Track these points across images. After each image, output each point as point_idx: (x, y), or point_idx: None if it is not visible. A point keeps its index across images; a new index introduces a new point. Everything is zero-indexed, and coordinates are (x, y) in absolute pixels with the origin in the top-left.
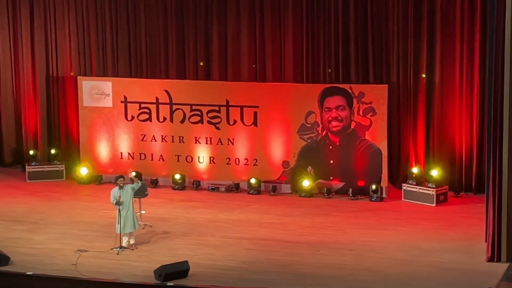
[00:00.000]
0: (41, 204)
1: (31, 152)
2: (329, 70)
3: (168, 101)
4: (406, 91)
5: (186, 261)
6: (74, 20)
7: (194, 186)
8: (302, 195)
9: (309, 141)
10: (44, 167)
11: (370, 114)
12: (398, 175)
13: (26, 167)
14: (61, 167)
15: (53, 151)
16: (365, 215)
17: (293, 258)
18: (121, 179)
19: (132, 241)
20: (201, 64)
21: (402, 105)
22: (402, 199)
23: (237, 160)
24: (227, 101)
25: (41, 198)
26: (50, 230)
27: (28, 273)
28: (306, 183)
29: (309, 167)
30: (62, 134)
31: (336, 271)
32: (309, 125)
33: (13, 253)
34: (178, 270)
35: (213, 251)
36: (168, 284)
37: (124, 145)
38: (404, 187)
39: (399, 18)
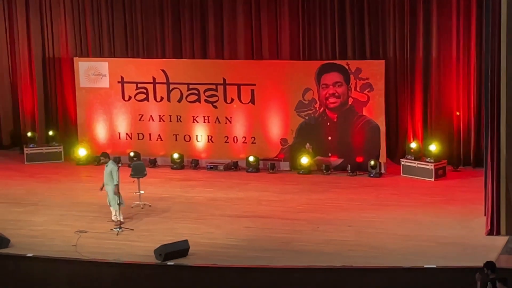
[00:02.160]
0: (40, 186)
1: (29, 134)
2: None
3: (165, 81)
4: (403, 66)
5: (186, 240)
6: (69, 1)
7: (193, 165)
8: (301, 172)
9: (306, 118)
10: (42, 149)
11: (367, 90)
12: (397, 151)
13: (24, 149)
14: (59, 148)
15: (51, 133)
16: (364, 191)
17: (292, 235)
18: (102, 157)
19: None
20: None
21: (399, 80)
22: (401, 175)
23: (235, 138)
24: (224, 80)
25: (40, 180)
26: (50, 212)
27: (28, 255)
28: (304, 160)
29: (307, 144)
30: (59, 116)
31: (336, 247)
32: (307, 102)
33: (13, 235)
34: (178, 249)
35: (212, 229)
36: (169, 263)
37: (122, 126)
38: (402, 162)
39: None
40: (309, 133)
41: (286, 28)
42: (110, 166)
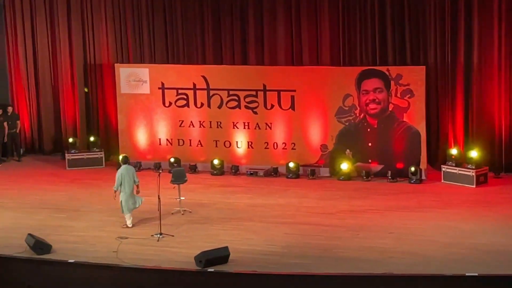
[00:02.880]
0: (81, 191)
1: (71, 140)
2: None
3: (205, 87)
4: (444, 72)
5: (226, 247)
6: (111, 7)
7: (233, 171)
8: (341, 178)
9: (347, 124)
10: (83, 155)
11: (408, 96)
12: (437, 157)
13: (66, 154)
14: (100, 154)
15: (92, 139)
16: (404, 197)
17: (332, 242)
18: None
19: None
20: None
21: (440, 86)
22: (442, 181)
23: (275, 144)
24: (264, 86)
25: (81, 186)
26: (91, 218)
27: (70, 261)
28: (344, 166)
29: (348, 150)
30: (100, 122)
31: (376, 254)
32: (347, 108)
33: (54, 241)
34: (219, 256)
35: (252, 236)
36: (209, 270)
37: (162, 132)
38: (443, 169)
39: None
40: (349, 139)
41: (326, 34)
42: (120, 170)
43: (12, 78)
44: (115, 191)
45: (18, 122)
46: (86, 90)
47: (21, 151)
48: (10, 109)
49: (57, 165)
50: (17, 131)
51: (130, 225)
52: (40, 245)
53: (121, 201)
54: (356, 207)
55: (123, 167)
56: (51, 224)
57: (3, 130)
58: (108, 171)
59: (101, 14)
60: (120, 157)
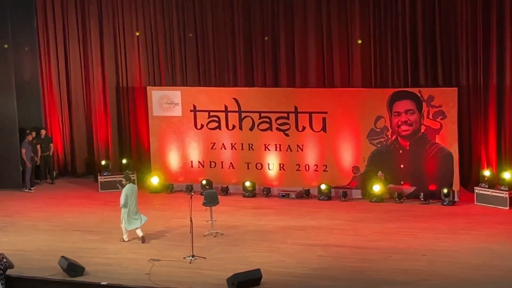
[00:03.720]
0: (113, 214)
1: (103, 162)
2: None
3: (237, 109)
4: (476, 93)
5: (258, 269)
6: (143, 30)
7: (265, 193)
8: (373, 200)
9: (378, 145)
10: (116, 177)
11: (440, 117)
12: (470, 178)
13: (98, 177)
14: (133, 176)
15: (124, 161)
16: (437, 219)
17: (365, 264)
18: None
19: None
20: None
21: (472, 107)
22: (475, 203)
23: (307, 166)
24: (296, 108)
25: (114, 208)
26: None
27: (102, 283)
28: (376, 188)
29: (380, 172)
30: (133, 144)
31: (409, 276)
32: (379, 130)
33: (87, 263)
34: (251, 278)
35: (284, 258)
36: None
37: (194, 154)
38: (476, 191)
39: (468, 20)
40: (381, 161)
41: (357, 55)
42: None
43: (45, 101)
44: (121, 208)
45: (51, 145)
46: (5, 46)
47: (54, 174)
48: (43, 132)
49: (89, 188)
50: (50, 154)
51: (127, 239)
52: (73, 268)
53: (123, 217)
54: (388, 229)
55: (129, 185)
56: (84, 246)
57: (36, 153)
58: (140, 194)
59: (133, 37)
60: (123, 179)
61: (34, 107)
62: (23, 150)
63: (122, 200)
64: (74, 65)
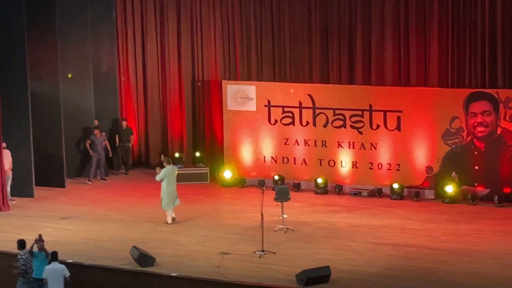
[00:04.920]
0: (185, 206)
1: (177, 155)
2: None
3: (311, 105)
4: None
5: (328, 266)
6: (220, 25)
7: (336, 190)
8: (446, 201)
9: (453, 146)
10: (189, 170)
11: None
12: None
13: None
14: (206, 169)
15: (197, 154)
16: (511, 222)
17: (436, 265)
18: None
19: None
20: (69, 76)
21: None
22: None
23: (380, 165)
24: (370, 106)
25: (186, 200)
26: (194, 232)
27: (172, 274)
28: (450, 189)
29: (453, 172)
30: (206, 137)
31: (480, 280)
32: (454, 130)
33: (158, 254)
34: (320, 275)
35: (354, 256)
36: None
37: (267, 149)
38: None
39: None
40: (455, 161)
41: (435, 55)
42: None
43: (121, 93)
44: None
45: (132, 136)
46: (69, 75)
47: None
48: (124, 123)
49: None
50: (130, 145)
51: (170, 222)
52: (144, 258)
53: (162, 197)
54: (461, 231)
55: (169, 167)
56: (155, 237)
57: (113, 144)
58: (213, 187)
59: (210, 32)
60: (164, 161)
61: (110, 99)
62: (88, 141)
63: (160, 175)
64: (151, 58)
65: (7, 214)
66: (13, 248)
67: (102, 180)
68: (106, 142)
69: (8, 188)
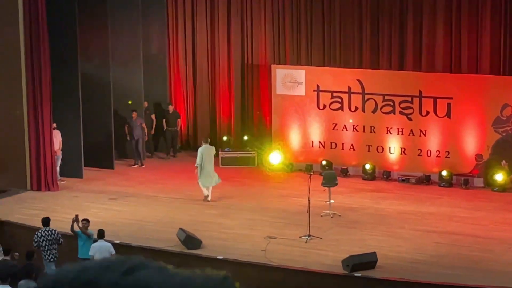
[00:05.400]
0: (233, 189)
1: (224, 138)
2: None
3: (360, 91)
4: None
5: (374, 253)
6: (270, 9)
7: (384, 176)
8: (495, 189)
9: (504, 134)
10: (237, 153)
11: None
12: None
13: (219, 152)
14: (253, 153)
15: (245, 138)
16: None
17: (483, 254)
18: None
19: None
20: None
21: None
22: None
23: (428, 151)
24: (420, 92)
25: (234, 184)
26: (241, 216)
27: (218, 257)
28: (499, 177)
29: (503, 161)
30: (255, 121)
31: None
32: (504, 118)
33: (204, 237)
34: (366, 261)
35: (401, 243)
36: (356, 274)
37: (315, 134)
38: None
39: None
40: (505, 150)
41: (487, 41)
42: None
43: (171, 75)
44: (197, 167)
45: (179, 120)
46: (129, 102)
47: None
48: (171, 107)
49: None
50: (177, 129)
51: (208, 198)
52: (190, 240)
53: (200, 175)
54: (509, 220)
55: (204, 146)
56: (202, 220)
57: (161, 128)
58: (260, 171)
59: (260, 16)
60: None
61: (160, 82)
62: (126, 125)
63: (198, 159)
64: (201, 42)
65: (57, 194)
66: (63, 228)
67: (136, 166)
68: (144, 125)
69: (58, 169)
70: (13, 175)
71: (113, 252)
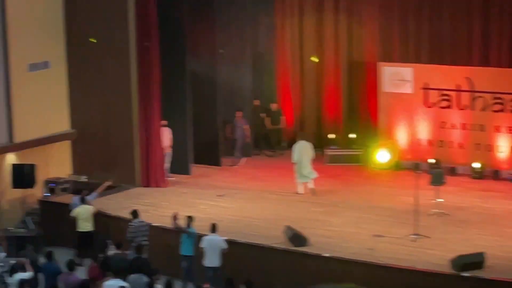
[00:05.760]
0: (340, 187)
1: (330, 136)
2: None
3: (469, 89)
4: None
5: (483, 253)
6: (378, 5)
7: (493, 175)
8: None
9: None
10: (343, 151)
11: None
12: None
13: (325, 150)
14: (360, 151)
15: (352, 136)
16: None
17: None
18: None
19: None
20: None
21: None
22: None
23: None
24: None
25: (341, 182)
26: (347, 214)
27: (325, 254)
28: None
29: None
30: (361, 119)
31: None
32: None
33: (311, 234)
34: (475, 261)
35: (511, 243)
36: (463, 274)
37: (423, 132)
38: None
39: None
40: None
41: None
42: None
43: (279, 75)
44: (295, 163)
45: (282, 117)
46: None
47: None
48: (274, 105)
49: (316, 160)
50: (281, 127)
51: (301, 192)
52: (297, 238)
53: (296, 171)
54: None
55: (300, 142)
56: (308, 217)
57: (263, 126)
58: (367, 169)
59: (368, 13)
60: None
61: (268, 79)
62: (230, 125)
63: (294, 156)
64: (308, 38)
65: (165, 191)
66: (168, 223)
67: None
68: (246, 126)
69: (168, 165)
70: (123, 171)
71: (224, 246)
